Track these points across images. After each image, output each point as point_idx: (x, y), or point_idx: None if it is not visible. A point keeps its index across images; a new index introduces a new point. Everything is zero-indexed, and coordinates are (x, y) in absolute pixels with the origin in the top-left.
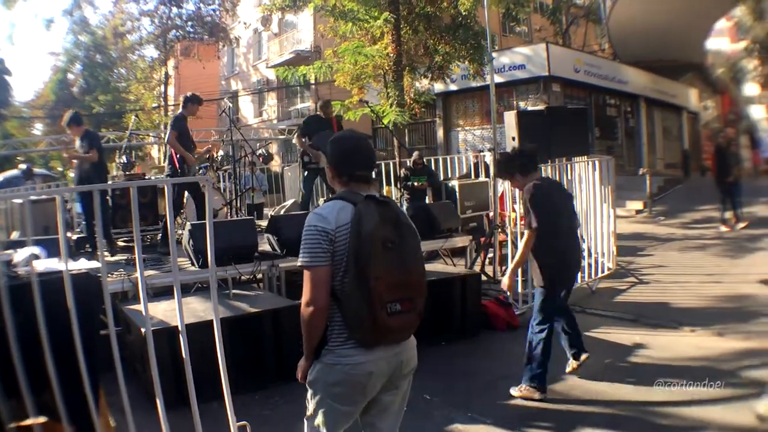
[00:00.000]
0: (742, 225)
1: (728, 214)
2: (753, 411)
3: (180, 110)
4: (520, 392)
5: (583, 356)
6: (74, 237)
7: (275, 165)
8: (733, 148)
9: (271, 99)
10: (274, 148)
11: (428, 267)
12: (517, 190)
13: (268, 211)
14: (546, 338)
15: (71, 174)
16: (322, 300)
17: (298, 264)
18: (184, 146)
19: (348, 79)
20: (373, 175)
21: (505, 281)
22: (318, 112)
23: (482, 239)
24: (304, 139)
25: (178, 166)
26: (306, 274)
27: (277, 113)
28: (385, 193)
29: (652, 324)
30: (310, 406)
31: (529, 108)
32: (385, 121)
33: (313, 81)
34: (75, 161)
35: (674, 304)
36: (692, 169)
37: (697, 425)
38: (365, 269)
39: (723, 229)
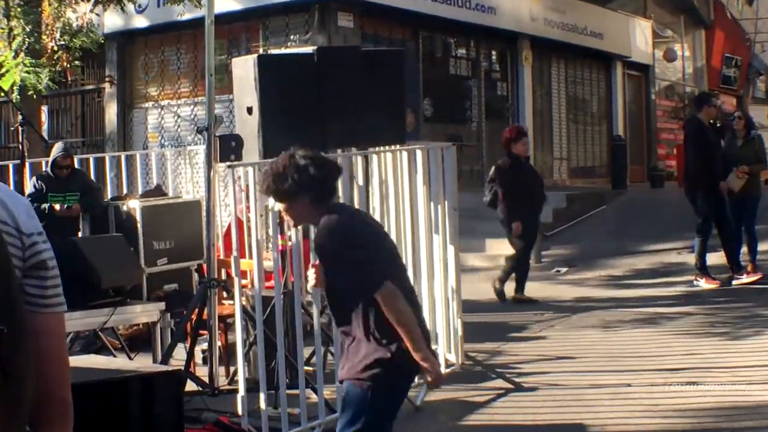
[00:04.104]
0: (749, 278)
1: (715, 258)
2: None
3: None
4: None
5: None
6: None
7: None
8: (739, 128)
9: None
10: None
11: (76, 360)
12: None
13: None
14: None
15: None
16: None
17: None
18: None
19: None
20: None
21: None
22: None
23: (185, 311)
24: None
25: None
26: None
27: None
28: None
29: None
30: None
31: (286, 51)
32: (4, 85)
33: None
34: None
35: (599, 426)
36: (630, 177)
37: None
38: None
39: (703, 284)
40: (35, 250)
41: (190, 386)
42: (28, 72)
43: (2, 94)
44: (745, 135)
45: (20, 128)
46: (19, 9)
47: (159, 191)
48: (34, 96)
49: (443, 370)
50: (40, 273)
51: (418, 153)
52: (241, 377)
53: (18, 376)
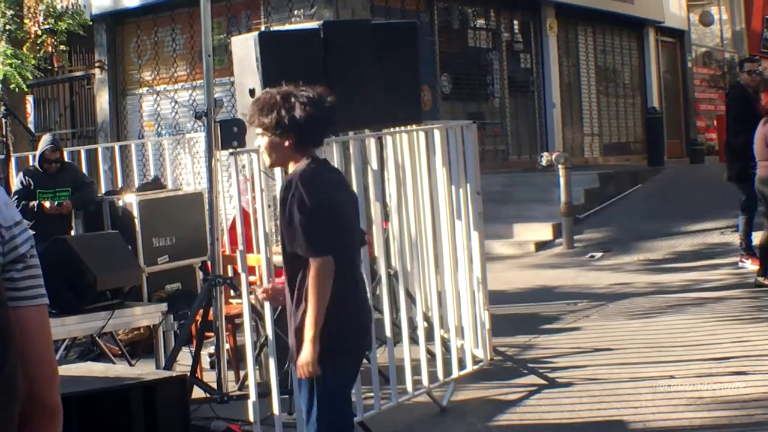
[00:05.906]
0: None
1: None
2: None
3: None
4: None
5: None
6: None
7: None
8: None
9: None
10: None
11: (73, 369)
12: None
13: None
14: None
15: None
16: None
17: None
18: None
19: None
20: None
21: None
22: None
23: (189, 312)
24: None
25: None
26: None
27: None
28: None
29: None
30: None
31: (289, 27)
32: None
33: None
34: None
35: (640, 423)
36: (668, 152)
37: None
38: None
39: (749, 266)
40: (14, 244)
41: (197, 393)
42: (10, 64)
43: None
44: None
45: (3, 120)
46: None
47: (157, 184)
48: (16, 89)
49: (470, 366)
50: (17, 266)
51: (437, 133)
52: (251, 382)
53: (10, 384)
